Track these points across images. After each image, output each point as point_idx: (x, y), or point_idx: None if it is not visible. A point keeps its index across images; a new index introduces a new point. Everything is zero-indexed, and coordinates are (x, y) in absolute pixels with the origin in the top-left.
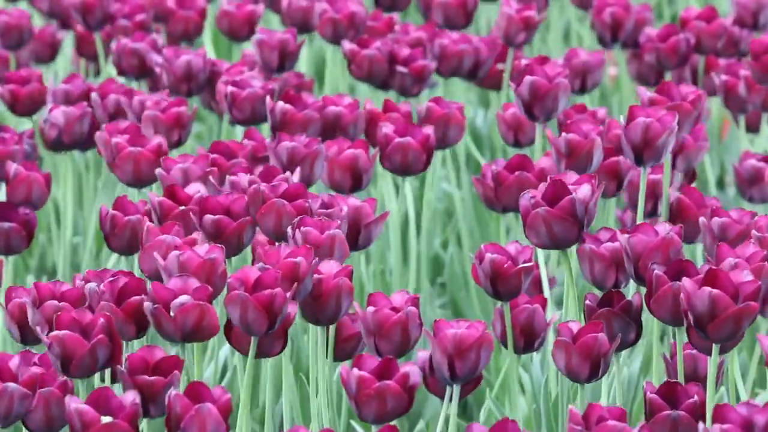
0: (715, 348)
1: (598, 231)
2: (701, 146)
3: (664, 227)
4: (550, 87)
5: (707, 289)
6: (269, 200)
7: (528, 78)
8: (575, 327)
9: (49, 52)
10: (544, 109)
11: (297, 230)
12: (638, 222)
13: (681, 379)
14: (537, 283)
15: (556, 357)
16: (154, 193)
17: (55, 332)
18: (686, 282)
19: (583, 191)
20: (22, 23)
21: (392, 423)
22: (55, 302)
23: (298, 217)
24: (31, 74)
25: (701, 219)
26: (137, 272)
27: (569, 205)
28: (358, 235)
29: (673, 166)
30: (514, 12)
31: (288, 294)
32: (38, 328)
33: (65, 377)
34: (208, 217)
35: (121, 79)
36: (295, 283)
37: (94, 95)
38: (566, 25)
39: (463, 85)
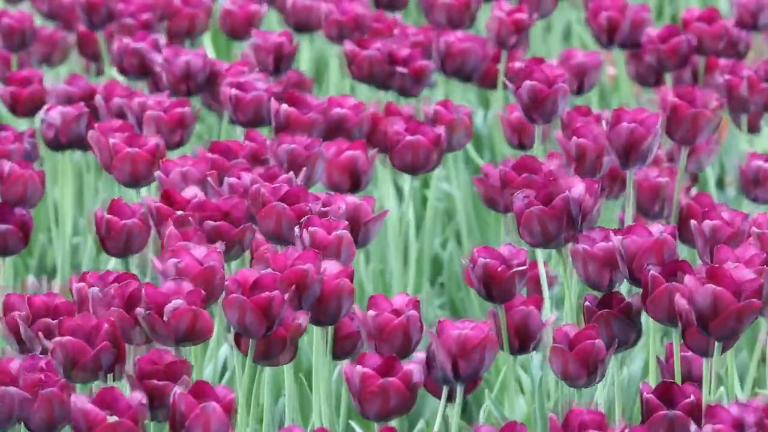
0: (717, 346)
1: (591, 231)
2: (712, 149)
3: (657, 228)
4: (549, 92)
5: (710, 286)
6: (269, 203)
7: (527, 83)
8: (572, 331)
9: (55, 54)
10: (544, 113)
11: (304, 230)
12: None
13: (678, 379)
14: (537, 283)
15: (553, 362)
16: (150, 198)
17: (58, 338)
18: (688, 279)
19: (577, 190)
20: (25, 25)
21: (392, 424)
22: (49, 319)
23: (305, 217)
24: (33, 75)
25: (692, 222)
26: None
27: (563, 204)
28: (357, 233)
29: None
30: (505, 14)
31: (286, 296)
32: (33, 341)
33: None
34: (209, 223)
35: (122, 79)
36: (293, 286)
37: (98, 97)
38: (567, 25)
39: (463, 85)
